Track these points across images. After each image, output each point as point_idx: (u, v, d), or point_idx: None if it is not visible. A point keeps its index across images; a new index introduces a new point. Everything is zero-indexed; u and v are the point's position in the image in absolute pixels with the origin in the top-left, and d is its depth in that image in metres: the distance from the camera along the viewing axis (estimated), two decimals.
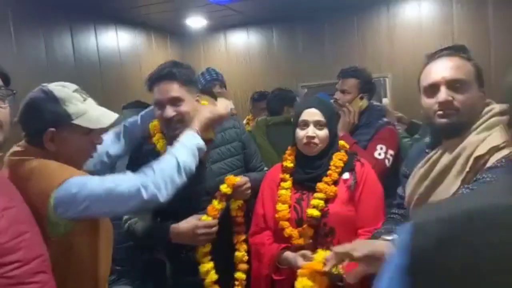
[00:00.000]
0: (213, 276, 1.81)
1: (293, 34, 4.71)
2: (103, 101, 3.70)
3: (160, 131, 1.91)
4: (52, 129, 1.40)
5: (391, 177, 2.09)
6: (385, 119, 2.54)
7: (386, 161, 2.32)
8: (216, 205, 1.80)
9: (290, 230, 1.79)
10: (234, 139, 1.99)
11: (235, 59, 4.97)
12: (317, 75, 4.52)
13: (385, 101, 4.02)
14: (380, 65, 4.32)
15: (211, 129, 1.87)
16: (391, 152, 2.34)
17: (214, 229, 1.78)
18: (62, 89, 1.46)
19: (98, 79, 3.92)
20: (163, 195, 1.46)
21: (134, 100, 2.99)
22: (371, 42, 4.37)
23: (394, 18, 4.27)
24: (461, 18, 4.03)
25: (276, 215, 1.83)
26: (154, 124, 1.93)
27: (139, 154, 1.89)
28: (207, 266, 1.81)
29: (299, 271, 1.62)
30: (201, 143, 1.65)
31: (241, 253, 1.88)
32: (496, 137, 1.32)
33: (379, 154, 2.32)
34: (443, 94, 1.39)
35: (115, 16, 4.10)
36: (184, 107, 1.80)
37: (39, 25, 3.42)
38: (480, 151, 1.32)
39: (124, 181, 1.43)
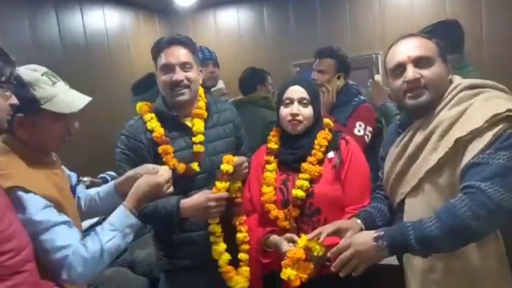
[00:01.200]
0: (227, 256, 1.84)
1: (284, 12, 4.63)
2: (90, 81, 3.66)
3: (149, 111, 1.89)
4: (21, 114, 1.35)
5: (370, 152, 2.13)
6: (361, 97, 2.60)
7: (366, 137, 2.41)
8: (219, 185, 1.79)
9: (275, 212, 1.79)
10: (229, 121, 2.01)
11: (225, 37, 4.89)
12: (308, 53, 4.43)
13: (377, 77, 4.00)
14: (372, 43, 4.28)
15: (189, 168, 1.83)
16: (369, 128, 2.43)
17: (224, 202, 1.79)
18: (30, 72, 1.40)
19: (85, 59, 3.84)
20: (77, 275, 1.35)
21: (136, 80, 2.95)
22: (363, 20, 4.31)
23: None
24: None
25: (262, 198, 1.82)
26: (141, 105, 1.92)
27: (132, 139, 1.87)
28: (221, 247, 1.83)
29: (283, 262, 1.63)
30: (134, 222, 1.49)
31: (242, 234, 1.87)
32: (478, 116, 1.32)
33: (359, 131, 2.40)
34: (410, 72, 1.42)
35: None
36: (192, 74, 1.84)
37: (23, 6, 3.32)
38: (460, 131, 1.33)
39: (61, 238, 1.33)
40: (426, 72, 1.42)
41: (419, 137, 1.44)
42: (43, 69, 1.45)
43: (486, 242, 1.34)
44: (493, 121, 1.28)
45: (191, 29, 5.03)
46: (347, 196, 1.78)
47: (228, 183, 1.81)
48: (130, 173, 1.69)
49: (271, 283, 1.80)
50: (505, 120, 1.28)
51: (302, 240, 1.63)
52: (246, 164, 1.89)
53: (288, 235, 1.73)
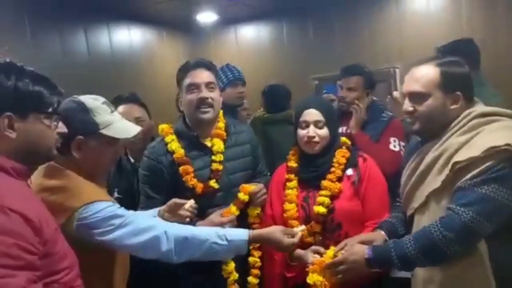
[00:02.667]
0: (235, 275, 1.90)
1: (303, 27, 4.72)
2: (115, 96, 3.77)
3: (171, 133, 1.98)
4: (81, 137, 1.47)
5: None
6: (389, 113, 2.61)
7: (401, 152, 2.38)
8: (233, 210, 1.87)
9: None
10: (246, 141, 2.09)
11: (246, 53, 5.00)
12: (327, 67, 4.53)
13: (396, 94, 4.03)
14: (390, 56, 4.32)
15: (207, 186, 1.93)
16: (402, 143, 2.42)
17: (235, 222, 1.87)
18: (92, 100, 1.54)
19: (112, 77, 3.99)
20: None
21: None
22: (381, 33, 4.36)
23: (402, 8, 4.26)
24: (470, 5, 3.99)
25: (285, 215, 1.88)
26: (163, 127, 2.01)
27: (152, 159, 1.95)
28: (231, 266, 1.90)
29: (310, 267, 1.68)
30: (242, 250, 1.60)
31: (253, 259, 1.95)
32: (478, 145, 1.39)
33: (394, 146, 2.41)
34: (405, 105, 1.57)
35: (127, 14, 4.17)
36: (216, 94, 1.95)
37: (54, 26, 3.50)
38: (460, 157, 1.41)
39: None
40: (419, 107, 1.53)
41: (429, 157, 1.52)
42: (102, 98, 1.59)
43: (479, 258, 1.40)
44: (490, 152, 1.35)
45: (212, 46, 5.17)
46: (367, 211, 1.84)
47: (239, 211, 1.89)
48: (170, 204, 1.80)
49: None
50: (502, 153, 1.35)
51: (331, 251, 1.69)
52: (264, 191, 1.97)
53: (314, 247, 1.80)
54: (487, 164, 1.36)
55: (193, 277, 1.94)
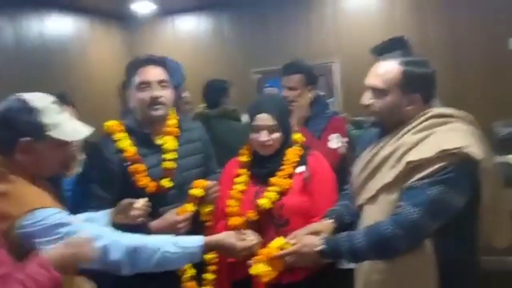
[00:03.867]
0: (191, 271, 1.88)
1: (243, 21, 4.71)
2: (47, 87, 3.60)
3: (121, 130, 1.91)
4: (26, 139, 1.37)
5: (345, 162, 2.32)
6: (332, 109, 2.71)
7: (342, 148, 2.48)
8: (189, 208, 1.85)
9: (234, 220, 1.87)
10: (198, 138, 2.08)
11: (184, 45, 4.92)
12: (269, 60, 4.57)
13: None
14: (327, 51, 4.42)
15: (160, 186, 1.89)
16: (344, 139, 2.49)
17: (190, 221, 1.85)
18: (38, 99, 1.44)
19: (42, 65, 3.77)
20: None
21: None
22: (318, 28, 4.45)
23: (339, 4, 4.37)
24: (403, 5, 4.18)
25: (227, 210, 1.91)
26: (111, 124, 1.93)
27: (98, 158, 1.89)
28: None
29: (255, 257, 1.70)
30: (197, 258, 1.59)
31: (210, 255, 1.91)
32: (431, 146, 1.47)
33: (335, 143, 2.46)
34: (363, 98, 1.62)
35: (59, 3, 3.94)
36: (167, 92, 1.91)
37: None
38: (413, 156, 1.48)
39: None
40: (377, 102, 1.59)
41: (383, 153, 1.58)
42: (51, 97, 1.50)
43: (423, 251, 1.48)
44: (441, 155, 1.42)
45: (149, 36, 5.03)
46: (315, 206, 1.89)
47: (195, 207, 1.87)
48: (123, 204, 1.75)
49: None
50: (452, 156, 1.42)
51: (277, 241, 1.71)
52: (217, 187, 1.95)
53: (247, 231, 1.78)
54: (437, 166, 1.43)
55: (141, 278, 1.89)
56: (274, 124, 1.90)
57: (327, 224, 1.76)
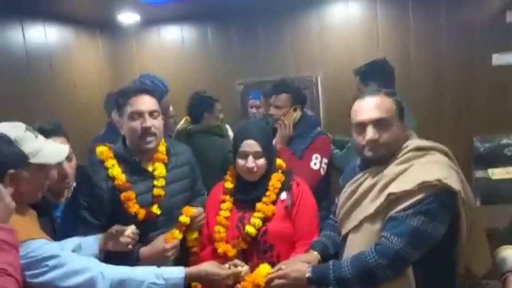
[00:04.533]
0: None
1: (228, 32, 4.72)
2: (31, 98, 3.55)
3: (111, 157, 1.94)
4: (12, 170, 1.40)
5: (324, 182, 2.40)
6: (318, 128, 2.72)
7: (322, 170, 2.50)
8: (176, 234, 1.90)
9: (223, 246, 1.93)
10: (186, 163, 2.12)
11: (170, 55, 4.91)
12: (252, 72, 4.60)
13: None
14: (312, 64, 4.47)
15: (150, 212, 1.93)
16: (325, 160, 2.53)
17: (178, 247, 1.90)
18: (13, 130, 1.49)
19: (26, 76, 3.73)
20: None
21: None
22: (303, 41, 4.50)
23: (323, 19, 4.42)
24: (384, 18, 4.25)
25: (214, 236, 1.96)
26: (102, 149, 1.95)
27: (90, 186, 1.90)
28: None
29: (242, 283, 1.75)
30: (180, 284, 1.61)
31: (194, 283, 1.95)
32: (412, 178, 1.53)
33: (315, 164, 2.49)
34: (370, 133, 1.60)
35: (42, 11, 3.91)
36: (159, 122, 1.95)
37: None
38: (394, 188, 1.54)
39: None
40: (384, 134, 1.60)
41: (367, 184, 1.64)
42: (23, 125, 1.55)
43: (404, 275, 1.55)
44: (422, 187, 1.50)
45: (134, 46, 5.02)
46: (297, 232, 1.96)
47: (182, 234, 1.92)
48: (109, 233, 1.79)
49: None
50: (432, 188, 1.50)
51: (265, 267, 1.76)
52: (203, 215, 2.01)
53: (235, 260, 1.85)
54: (418, 197, 1.50)
55: None
56: (260, 150, 1.94)
57: (312, 255, 1.82)
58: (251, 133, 1.98)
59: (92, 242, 1.75)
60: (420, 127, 2.72)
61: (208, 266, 1.68)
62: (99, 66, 4.77)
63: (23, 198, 1.48)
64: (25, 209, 1.54)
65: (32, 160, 1.47)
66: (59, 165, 1.65)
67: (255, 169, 1.94)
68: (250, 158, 1.93)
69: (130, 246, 1.77)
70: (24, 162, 1.45)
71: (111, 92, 3.04)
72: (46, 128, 1.87)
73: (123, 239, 1.75)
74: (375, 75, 2.77)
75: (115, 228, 1.77)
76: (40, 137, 1.56)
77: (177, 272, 1.59)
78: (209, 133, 3.08)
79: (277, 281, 1.67)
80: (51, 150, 1.54)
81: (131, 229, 1.78)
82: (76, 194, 1.93)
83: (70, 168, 1.98)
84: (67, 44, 4.34)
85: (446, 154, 1.63)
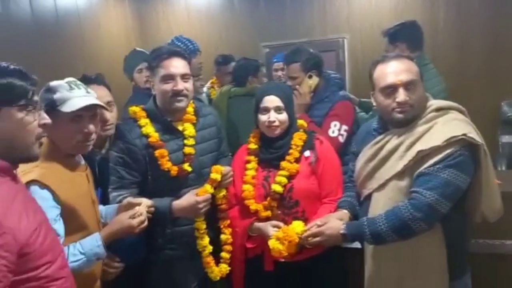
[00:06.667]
0: (209, 248, 2.05)
1: None
2: (60, 60, 3.64)
3: (144, 116, 2.02)
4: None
5: (346, 149, 2.33)
6: (342, 92, 2.66)
7: (340, 137, 2.42)
8: (208, 189, 1.97)
9: (255, 206, 2.02)
10: (212, 124, 2.19)
11: (196, 19, 4.92)
12: (278, 35, 4.58)
13: None
14: (338, 26, 4.44)
15: (181, 169, 1.99)
16: (345, 127, 2.43)
17: (209, 202, 1.97)
18: (57, 81, 1.60)
19: (56, 38, 3.84)
20: None
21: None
22: (330, 3, 4.44)
23: None
24: None
25: (242, 195, 2.05)
26: (134, 109, 2.04)
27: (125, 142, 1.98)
28: (205, 241, 2.04)
29: (275, 233, 1.86)
30: (101, 253, 1.58)
31: (226, 236, 2.10)
32: (439, 135, 1.60)
33: (333, 131, 2.42)
34: (402, 95, 1.65)
35: None
36: (190, 84, 2.02)
37: None
38: (423, 146, 1.61)
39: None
40: (413, 96, 1.66)
41: (391, 144, 1.71)
42: (71, 78, 1.64)
43: (430, 233, 1.63)
44: (450, 142, 1.57)
45: (161, 10, 5.03)
46: (323, 189, 2.03)
47: (213, 189, 1.99)
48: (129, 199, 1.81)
49: (253, 268, 2.08)
50: (460, 142, 1.58)
51: (298, 225, 1.84)
52: (231, 173, 2.08)
53: (274, 222, 1.97)
54: (447, 151, 1.57)
55: (169, 253, 2.05)
56: (281, 105, 2.00)
57: (343, 213, 1.90)
58: (272, 89, 2.05)
59: (112, 211, 1.81)
60: (447, 91, 2.71)
61: (118, 221, 1.65)
62: (127, 30, 4.83)
63: (59, 145, 1.58)
64: (67, 161, 1.61)
65: (59, 107, 1.56)
66: (94, 117, 1.65)
67: (276, 122, 1.99)
68: (272, 112, 1.99)
69: (142, 226, 1.69)
70: (53, 108, 1.53)
71: (126, 55, 3.10)
72: (88, 77, 1.96)
73: (136, 220, 1.66)
74: (404, 36, 2.75)
75: (129, 200, 1.79)
76: (78, 90, 1.61)
77: (93, 241, 1.57)
78: (252, 96, 3.08)
79: (312, 239, 1.77)
80: (75, 102, 1.58)
81: (145, 203, 1.74)
82: (111, 149, 2.02)
83: (110, 116, 2.03)
84: (96, 8, 4.41)
85: (462, 113, 1.70)
